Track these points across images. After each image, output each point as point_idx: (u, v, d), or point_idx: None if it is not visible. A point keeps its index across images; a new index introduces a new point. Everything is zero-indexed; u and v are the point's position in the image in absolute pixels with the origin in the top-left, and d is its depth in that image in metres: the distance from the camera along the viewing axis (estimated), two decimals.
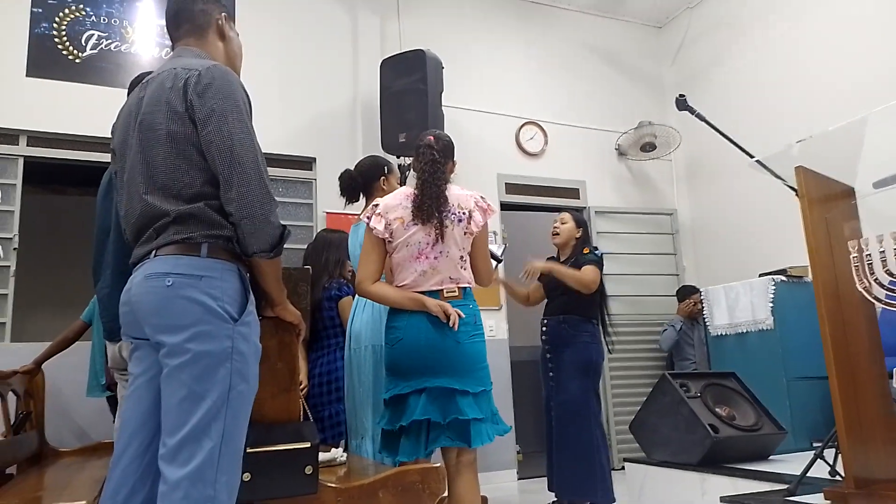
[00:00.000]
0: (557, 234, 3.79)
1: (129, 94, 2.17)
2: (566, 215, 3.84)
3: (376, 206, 2.36)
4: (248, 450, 1.59)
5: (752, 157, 2.72)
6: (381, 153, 4.57)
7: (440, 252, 2.28)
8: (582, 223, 3.82)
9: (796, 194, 2.38)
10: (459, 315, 2.22)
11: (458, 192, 2.36)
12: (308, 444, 1.69)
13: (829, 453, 2.54)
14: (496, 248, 3.03)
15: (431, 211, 2.26)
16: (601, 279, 3.66)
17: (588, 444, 3.48)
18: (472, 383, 2.22)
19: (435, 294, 2.27)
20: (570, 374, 3.57)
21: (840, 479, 2.44)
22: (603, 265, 3.67)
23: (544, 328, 3.74)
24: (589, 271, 3.55)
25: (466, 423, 2.17)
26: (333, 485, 1.78)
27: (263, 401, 1.73)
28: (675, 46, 6.26)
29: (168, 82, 1.58)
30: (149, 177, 1.57)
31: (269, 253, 1.56)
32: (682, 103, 3.07)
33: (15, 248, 3.96)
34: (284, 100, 4.77)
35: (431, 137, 2.42)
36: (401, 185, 3.16)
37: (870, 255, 2.18)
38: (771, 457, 3.27)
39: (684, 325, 5.19)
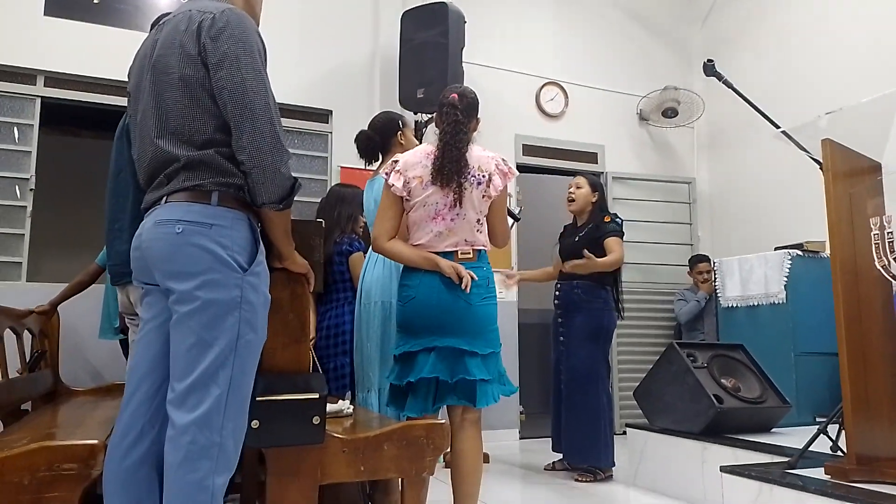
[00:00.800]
0: (573, 199, 3.74)
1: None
2: (581, 179, 3.77)
3: (396, 161, 2.33)
4: (258, 398, 1.61)
5: (777, 126, 2.66)
6: (398, 108, 4.51)
7: (457, 214, 2.26)
8: (598, 187, 3.76)
9: (820, 167, 2.33)
10: (473, 277, 2.21)
11: (480, 154, 2.32)
12: (317, 396, 1.71)
13: (833, 429, 2.55)
14: (514, 207, 3.01)
15: (451, 175, 2.23)
16: None
17: (595, 410, 3.52)
18: (481, 345, 2.23)
19: (449, 255, 2.26)
20: (580, 338, 3.58)
21: (842, 454, 2.44)
22: (623, 234, 3.63)
23: (557, 292, 3.74)
24: (615, 246, 3.53)
25: (473, 384, 2.19)
26: (340, 435, 1.81)
27: (274, 351, 1.74)
28: (704, 9, 6.07)
29: (182, 25, 1.55)
30: (161, 120, 1.56)
31: (279, 204, 1.55)
32: (709, 68, 2.98)
33: (31, 189, 3.99)
34: (302, 49, 4.70)
35: (455, 95, 2.37)
36: (419, 142, 3.13)
37: (892, 232, 2.15)
38: (774, 430, 3.29)
39: (706, 299, 5.18)
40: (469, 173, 2.26)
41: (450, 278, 2.21)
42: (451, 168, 2.24)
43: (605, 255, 3.53)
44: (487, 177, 2.29)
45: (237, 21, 1.55)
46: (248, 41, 1.54)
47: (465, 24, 4.51)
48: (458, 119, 2.31)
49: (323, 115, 4.81)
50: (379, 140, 2.86)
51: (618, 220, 3.67)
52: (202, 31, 1.52)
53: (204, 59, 1.52)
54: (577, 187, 3.74)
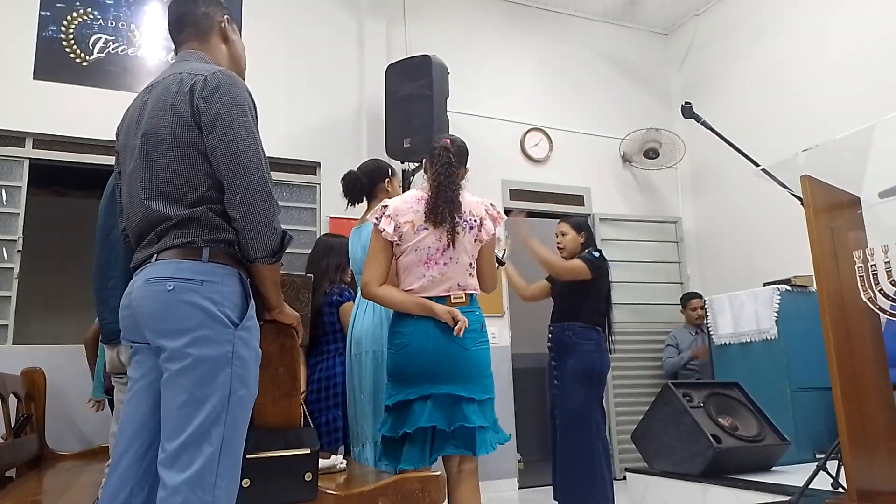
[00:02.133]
0: (562, 247, 3.75)
1: None
2: (564, 226, 3.75)
3: (385, 206, 2.32)
4: (248, 455, 1.58)
5: (757, 165, 2.71)
6: (385, 158, 4.56)
7: (450, 258, 2.26)
8: (583, 227, 3.75)
9: (801, 203, 2.37)
10: (465, 323, 2.20)
11: (470, 199, 2.34)
12: (308, 451, 1.68)
13: (832, 465, 2.52)
14: (498, 252, 3.02)
15: (445, 215, 2.24)
16: (608, 286, 3.63)
17: (589, 455, 3.46)
18: (477, 391, 2.20)
19: (442, 300, 2.25)
20: (573, 382, 3.54)
21: (843, 490, 2.41)
22: (600, 267, 3.59)
23: (550, 336, 3.72)
24: (575, 263, 3.51)
25: (472, 431, 2.15)
26: (333, 492, 1.78)
27: (264, 406, 1.72)
28: (681, 54, 6.26)
29: (174, 87, 1.58)
30: (151, 181, 1.57)
31: (271, 258, 1.57)
32: (687, 111, 3.05)
33: (19, 251, 3.97)
34: (290, 103, 4.78)
35: (447, 140, 2.40)
36: (403, 191, 3.15)
37: (875, 265, 2.17)
38: (774, 468, 3.25)
39: (689, 340, 5.18)
40: (462, 217, 2.28)
41: (444, 324, 2.19)
42: (444, 209, 2.24)
43: (596, 292, 3.53)
44: (479, 221, 2.30)
45: (229, 82, 1.58)
46: (241, 101, 1.57)
47: (449, 75, 4.61)
48: (451, 161, 2.33)
49: (311, 167, 4.86)
50: (366, 183, 2.88)
51: (595, 254, 3.63)
52: (195, 93, 1.55)
53: (197, 119, 1.55)
54: (563, 234, 3.74)
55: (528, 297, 3.86)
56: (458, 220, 2.25)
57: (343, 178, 2.91)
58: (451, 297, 2.26)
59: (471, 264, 2.30)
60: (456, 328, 2.17)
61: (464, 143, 2.46)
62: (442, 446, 2.16)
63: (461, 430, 2.15)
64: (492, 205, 2.37)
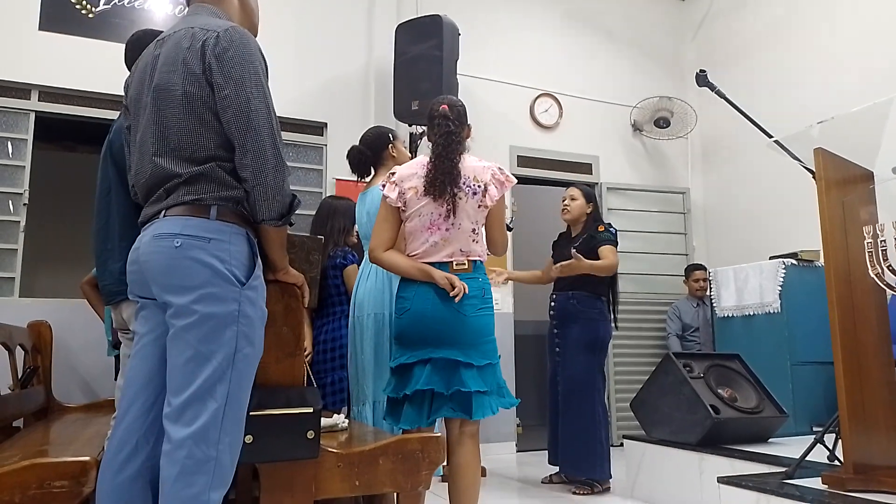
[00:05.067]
0: (568, 210, 3.75)
1: (126, 50, 2.15)
2: (575, 191, 3.78)
3: (393, 174, 2.35)
4: (252, 413, 1.60)
5: (770, 136, 2.67)
6: (392, 121, 4.53)
7: (452, 224, 2.26)
8: (592, 198, 3.78)
9: (813, 176, 2.34)
10: (464, 289, 2.21)
11: (475, 164, 2.32)
12: (311, 410, 1.70)
13: (830, 439, 2.54)
14: (506, 217, 3.02)
15: (444, 186, 2.24)
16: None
17: (590, 421, 3.50)
18: (476, 356, 2.22)
19: (444, 266, 2.26)
20: (576, 350, 3.57)
21: (839, 464, 2.44)
22: (618, 243, 3.64)
23: (553, 303, 3.73)
24: (608, 254, 3.53)
25: (469, 395, 2.18)
26: (334, 450, 1.80)
27: (268, 365, 1.73)
28: (696, 22, 6.13)
29: (185, 42, 1.56)
30: (161, 137, 1.56)
31: (278, 221, 1.57)
32: (702, 79, 3.00)
33: (25, 204, 3.98)
34: (298, 63, 4.71)
35: (445, 106, 2.37)
36: (411, 154, 3.13)
37: (885, 241, 2.15)
38: (771, 440, 3.28)
39: (691, 312, 5.20)
40: (464, 184, 2.27)
41: (445, 289, 2.21)
42: (443, 180, 2.25)
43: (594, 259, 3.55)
44: (483, 187, 2.29)
45: (241, 40, 1.56)
46: (253, 61, 1.56)
47: (460, 37, 4.53)
48: (451, 129, 2.32)
49: (318, 128, 4.82)
50: (371, 154, 2.86)
51: (612, 229, 3.67)
52: (206, 50, 1.53)
53: (208, 77, 1.53)
54: (572, 198, 3.75)
55: (549, 280, 3.84)
56: (458, 188, 2.25)
57: (348, 155, 2.89)
58: (454, 262, 2.27)
59: (474, 230, 2.30)
60: (452, 293, 2.19)
61: (461, 103, 2.44)
62: (439, 409, 2.20)
63: (458, 393, 2.18)
64: (499, 168, 2.35)
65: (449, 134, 2.31)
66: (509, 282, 3.54)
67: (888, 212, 2.44)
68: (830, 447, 2.54)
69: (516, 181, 2.41)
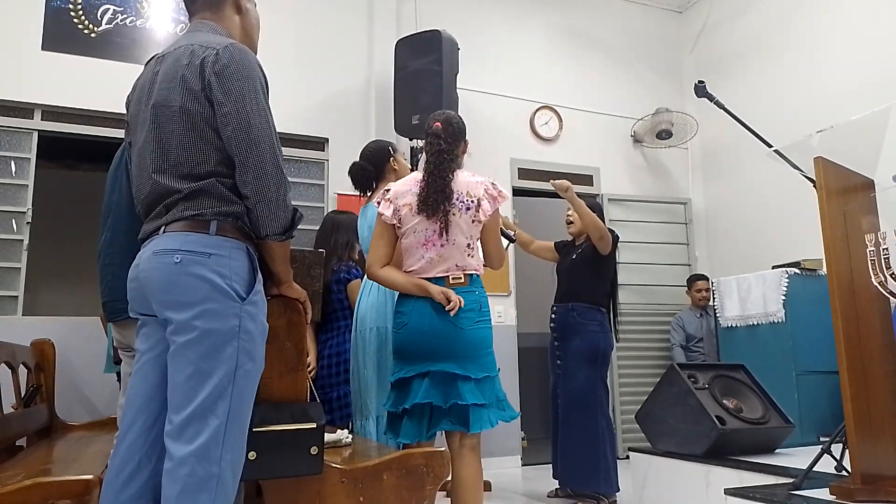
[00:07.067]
0: (571, 222, 3.75)
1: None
2: None
3: (388, 191, 2.38)
4: (255, 429, 1.59)
5: (770, 146, 2.67)
6: (393, 135, 4.55)
7: (446, 241, 2.28)
8: (595, 208, 3.77)
9: (814, 185, 2.34)
10: (460, 303, 2.22)
11: (469, 179, 2.34)
12: (314, 425, 1.69)
13: (837, 448, 2.52)
14: (509, 232, 3.02)
15: (437, 205, 2.27)
16: (614, 266, 3.63)
17: (593, 434, 3.48)
18: (474, 369, 2.23)
19: (441, 281, 2.28)
20: (577, 362, 3.56)
21: (846, 474, 2.42)
22: (616, 242, 3.62)
23: (553, 316, 3.72)
24: (600, 222, 3.52)
25: (466, 408, 2.18)
26: (338, 465, 1.79)
27: (270, 380, 1.73)
28: (695, 33, 6.16)
29: (185, 59, 1.56)
30: (161, 154, 1.56)
31: (282, 236, 1.57)
32: (700, 90, 3.01)
33: (28, 223, 3.99)
34: (298, 78, 4.74)
35: (438, 124, 2.40)
36: (412, 167, 3.14)
37: (887, 249, 2.15)
38: (777, 450, 3.25)
39: (695, 323, 5.18)
40: (457, 200, 2.28)
41: (440, 304, 2.23)
42: (436, 198, 2.27)
43: (602, 273, 3.55)
44: (476, 202, 2.30)
45: (240, 56, 1.56)
46: (252, 77, 1.56)
47: (459, 51, 4.56)
48: (442, 148, 2.35)
49: (319, 143, 4.84)
50: (372, 169, 2.89)
51: (615, 234, 3.65)
52: (206, 67, 1.53)
53: (208, 94, 1.53)
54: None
55: (531, 251, 3.88)
56: (449, 207, 2.27)
57: (350, 171, 2.92)
58: (450, 277, 2.29)
59: (469, 245, 2.32)
60: (448, 307, 2.20)
61: (458, 119, 2.45)
62: (439, 422, 2.21)
63: (456, 406, 2.19)
64: (492, 184, 2.37)
65: (440, 152, 2.34)
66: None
67: (889, 220, 2.43)
68: (837, 457, 2.52)
69: (509, 196, 2.43)
